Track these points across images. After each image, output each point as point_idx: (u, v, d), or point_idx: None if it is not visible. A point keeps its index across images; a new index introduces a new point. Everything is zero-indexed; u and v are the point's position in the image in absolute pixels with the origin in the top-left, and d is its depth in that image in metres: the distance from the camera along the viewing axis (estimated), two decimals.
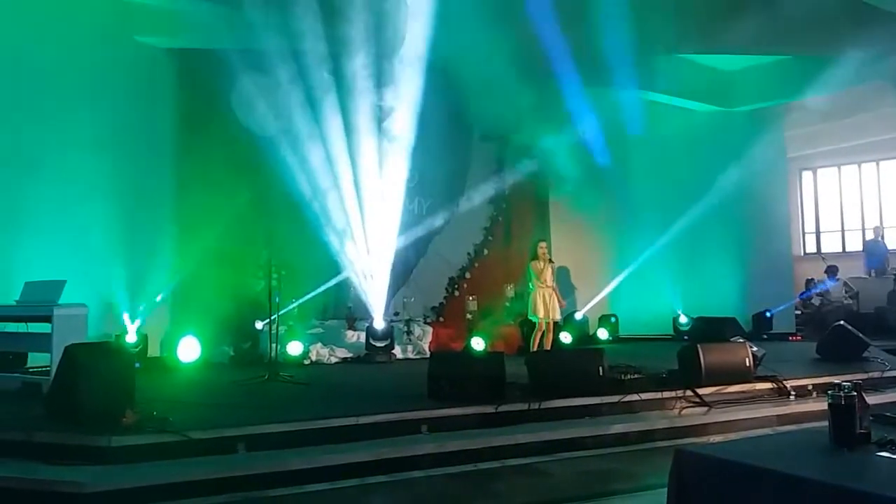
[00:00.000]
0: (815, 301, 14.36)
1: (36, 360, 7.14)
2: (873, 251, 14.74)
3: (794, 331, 13.04)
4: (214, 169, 9.43)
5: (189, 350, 8.91)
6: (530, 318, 9.62)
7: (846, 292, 14.28)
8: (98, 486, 4.29)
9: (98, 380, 5.24)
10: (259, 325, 9.27)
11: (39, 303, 6.70)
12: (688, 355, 6.96)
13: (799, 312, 14.20)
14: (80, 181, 8.81)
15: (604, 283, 12.42)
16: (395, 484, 4.81)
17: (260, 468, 4.71)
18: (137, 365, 6.08)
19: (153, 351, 9.31)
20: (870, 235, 15.71)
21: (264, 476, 4.64)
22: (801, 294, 14.75)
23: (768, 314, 12.58)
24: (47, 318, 6.49)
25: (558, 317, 9.76)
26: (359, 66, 9.87)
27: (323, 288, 10.05)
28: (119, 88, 9.14)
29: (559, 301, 9.68)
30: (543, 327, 9.48)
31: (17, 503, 4.26)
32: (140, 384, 5.65)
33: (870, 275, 14.46)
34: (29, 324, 6.86)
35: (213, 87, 9.69)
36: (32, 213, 8.47)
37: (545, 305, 9.45)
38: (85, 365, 5.29)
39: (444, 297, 11.54)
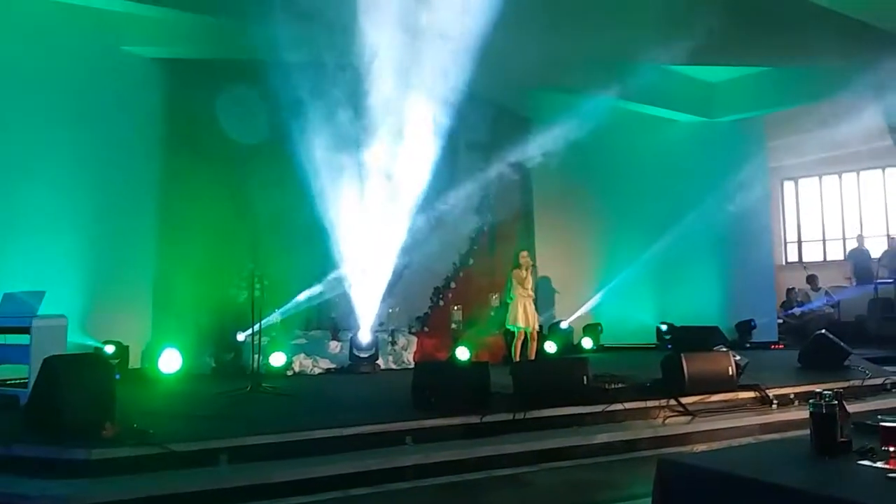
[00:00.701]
0: (797, 311, 14.48)
1: (9, 371, 7.02)
2: (858, 260, 14.81)
3: (776, 340, 13.14)
4: (199, 179, 9.40)
5: (170, 361, 8.82)
6: (508, 327, 9.60)
7: (827, 301, 14.41)
8: (78, 500, 4.24)
9: (77, 392, 5.19)
10: (241, 336, 9.20)
11: (18, 314, 6.61)
12: (671, 364, 6.99)
13: (781, 322, 14.31)
14: (61, 192, 8.72)
15: (588, 293, 12.46)
16: (380, 495, 4.79)
17: (242, 481, 4.67)
18: (117, 376, 6.00)
19: (134, 362, 9.21)
20: (851, 245, 15.87)
21: (247, 489, 4.60)
22: (784, 307, 14.86)
23: (754, 324, 12.65)
24: (26, 330, 6.41)
25: (538, 326, 9.76)
26: (344, 77, 9.86)
27: (306, 298, 10.00)
28: (104, 98, 9.06)
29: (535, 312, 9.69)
30: (524, 336, 9.48)
31: None
32: (120, 396, 5.58)
33: (851, 282, 14.58)
34: (7, 335, 6.77)
35: (199, 98, 9.67)
36: (12, 223, 8.36)
37: (525, 314, 9.45)
38: (64, 377, 5.23)
39: (429, 307, 11.52)
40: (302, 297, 9.91)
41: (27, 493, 4.31)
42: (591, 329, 12.37)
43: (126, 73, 9.44)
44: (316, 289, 10.06)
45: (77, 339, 7.85)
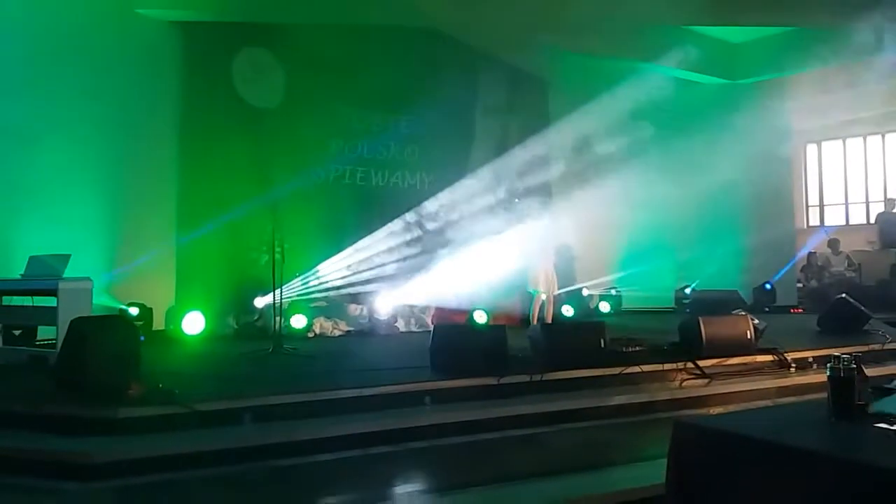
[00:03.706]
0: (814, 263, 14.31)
1: (42, 332, 7.21)
2: (886, 223, 14.49)
3: (795, 304, 13.06)
4: (219, 143, 9.45)
5: (193, 323, 8.97)
6: (529, 291, 9.65)
7: (848, 265, 14.25)
8: (105, 457, 4.34)
9: (104, 352, 5.29)
10: (259, 302, 9.27)
11: (44, 276, 6.74)
12: (689, 328, 7.00)
13: (801, 285, 14.20)
14: (82, 155, 8.81)
15: (607, 257, 12.42)
16: (399, 454, 4.86)
17: (265, 439, 4.76)
18: (142, 338, 6.12)
19: (158, 324, 9.37)
20: (875, 208, 15.60)
21: (270, 447, 4.69)
22: (805, 271, 14.69)
23: (767, 286, 12.57)
24: (53, 292, 6.53)
25: (557, 290, 9.79)
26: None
27: (328, 261, 10.08)
28: (120, 62, 9.07)
29: (556, 275, 9.73)
30: (542, 299, 9.52)
31: (26, 473, 4.32)
32: (145, 357, 5.69)
33: (879, 247, 14.28)
34: (34, 297, 6.92)
35: (217, 61, 9.66)
36: (35, 187, 8.47)
37: (546, 278, 9.48)
38: (91, 338, 5.33)
39: None
40: (323, 259, 9.98)
41: (56, 450, 4.44)
42: (609, 293, 12.38)
43: (142, 37, 9.42)
44: (337, 251, 10.14)
45: (102, 302, 7.99)
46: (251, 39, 9.98)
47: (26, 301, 7.02)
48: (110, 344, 5.41)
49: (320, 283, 10.04)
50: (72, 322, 5.55)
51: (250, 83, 9.90)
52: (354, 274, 10.31)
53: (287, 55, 10.01)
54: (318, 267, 9.98)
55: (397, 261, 10.71)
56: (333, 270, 10.15)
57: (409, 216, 10.84)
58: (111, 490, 4.20)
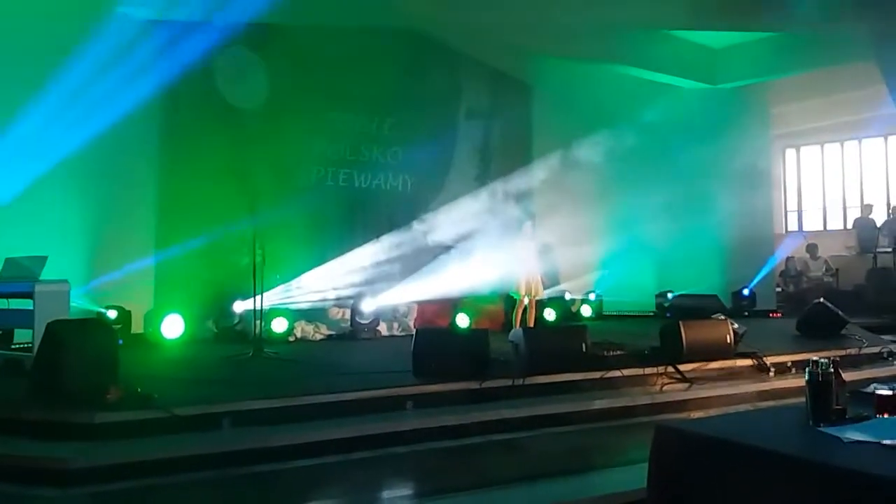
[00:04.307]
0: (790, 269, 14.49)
1: (18, 336, 7.10)
2: (863, 228, 14.71)
3: (774, 308, 13.18)
4: (199, 144, 9.37)
5: (172, 326, 8.88)
6: (512, 294, 9.67)
7: (826, 270, 14.43)
8: (82, 462, 4.29)
9: (81, 356, 5.22)
10: (239, 307, 9.18)
11: (21, 279, 6.64)
12: (670, 332, 7.03)
13: (779, 290, 14.35)
14: (58, 156, 8.67)
15: (588, 261, 12.47)
16: (380, 459, 4.85)
17: (245, 444, 4.73)
18: (120, 342, 6.05)
19: (136, 327, 9.26)
20: (852, 214, 15.81)
21: (249, 452, 4.66)
22: (783, 275, 14.86)
23: (746, 291, 12.67)
24: (29, 295, 6.43)
25: (542, 294, 9.81)
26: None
27: (309, 263, 10.02)
28: (99, 61, 8.95)
29: (541, 279, 9.76)
30: (525, 303, 9.54)
31: (1, 479, 4.25)
32: (123, 361, 5.62)
33: (858, 252, 14.46)
34: (10, 300, 6.81)
35: (198, 61, 9.55)
36: (9, 188, 8.33)
37: (528, 283, 9.50)
38: (68, 342, 5.26)
39: None
40: (305, 263, 9.91)
41: (32, 456, 4.38)
42: (590, 297, 12.43)
43: (121, 36, 9.30)
44: (318, 256, 10.07)
45: (80, 305, 7.89)
46: (231, 39, 9.89)
47: (2, 304, 6.90)
48: (88, 348, 5.34)
49: (301, 287, 9.96)
50: (48, 325, 5.46)
51: (232, 84, 9.82)
52: (336, 277, 10.25)
53: (270, 56, 9.97)
54: (300, 270, 9.90)
55: (380, 264, 10.67)
56: (315, 273, 10.08)
57: (393, 219, 10.81)
58: (88, 496, 4.14)
